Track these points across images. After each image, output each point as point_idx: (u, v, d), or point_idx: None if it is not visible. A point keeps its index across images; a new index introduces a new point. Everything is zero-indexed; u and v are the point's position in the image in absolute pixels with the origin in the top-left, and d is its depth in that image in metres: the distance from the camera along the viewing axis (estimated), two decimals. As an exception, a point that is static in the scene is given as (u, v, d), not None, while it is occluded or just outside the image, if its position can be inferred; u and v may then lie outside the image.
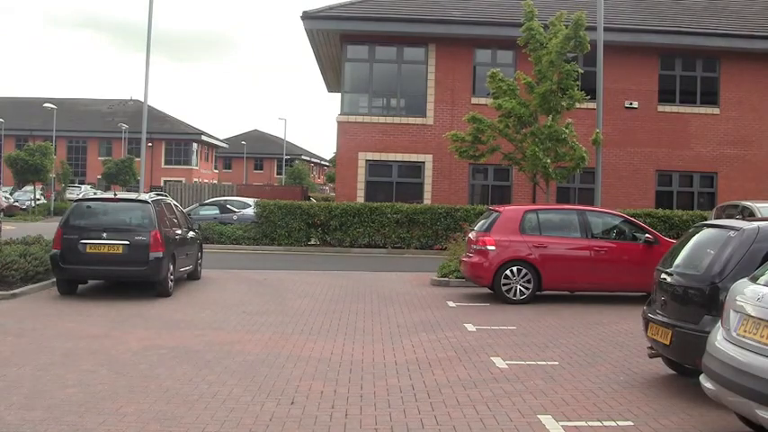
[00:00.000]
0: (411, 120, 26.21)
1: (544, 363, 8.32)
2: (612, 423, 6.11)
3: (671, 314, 7.16)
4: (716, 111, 26.55)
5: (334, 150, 29.82)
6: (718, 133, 26.40)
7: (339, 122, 26.33)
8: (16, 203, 43.74)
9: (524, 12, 18.87)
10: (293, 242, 23.85)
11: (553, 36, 18.43)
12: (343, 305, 12.45)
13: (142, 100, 24.02)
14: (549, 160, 18.04)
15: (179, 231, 14.20)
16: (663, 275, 7.45)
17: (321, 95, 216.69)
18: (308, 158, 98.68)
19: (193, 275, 15.25)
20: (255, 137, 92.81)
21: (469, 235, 14.33)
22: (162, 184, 55.92)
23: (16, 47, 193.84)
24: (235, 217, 27.31)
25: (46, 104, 49.25)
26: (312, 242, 24.23)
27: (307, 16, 25.55)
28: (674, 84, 26.82)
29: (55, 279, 13.20)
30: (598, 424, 6.09)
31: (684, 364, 7.19)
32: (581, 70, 19.06)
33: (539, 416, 6.24)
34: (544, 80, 18.25)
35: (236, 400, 6.57)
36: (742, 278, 5.89)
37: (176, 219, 14.55)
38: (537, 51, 18.60)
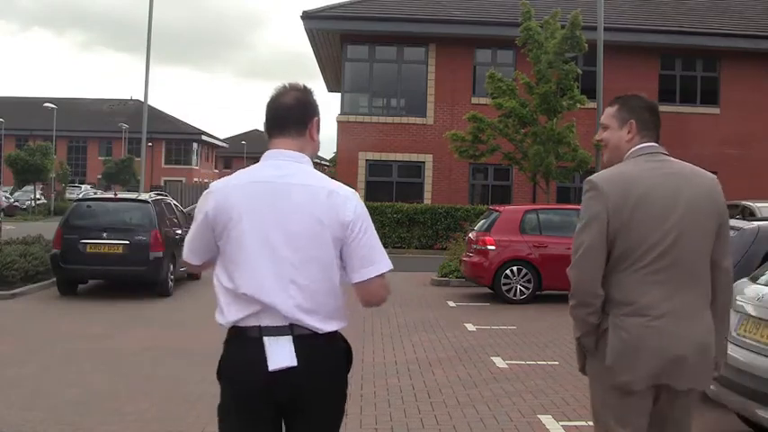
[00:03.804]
0: (411, 120, 26.20)
1: (544, 363, 8.32)
2: (612, 423, 6.11)
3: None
4: (716, 111, 26.54)
5: (334, 150, 29.81)
6: (718, 133, 26.36)
7: (339, 122, 26.32)
8: (16, 203, 43.71)
9: (522, 12, 18.88)
10: (293, 242, 23.81)
11: (550, 36, 18.43)
12: (344, 305, 12.43)
13: (142, 100, 24.00)
14: (552, 160, 18.06)
15: (179, 231, 14.20)
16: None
17: (321, 95, 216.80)
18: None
19: (193, 275, 15.23)
20: (255, 137, 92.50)
21: (469, 235, 14.33)
22: (162, 183, 55.88)
23: (16, 47, 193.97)
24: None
25: (46, 104, 49.22)
26: (312, 242, 24.19)
27: (307, 16, 25.54)
28: (675, 84, 26.81)
29: (55, 279, 13.20)
30: (598, 424, 6.09)
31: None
32: (579, 71, 19.06)
33: (539, 415, 6.24)
34: (543, 80, 18.25)
35: (236, 400, 6.57)
36: (742, 278, 5.88)
37: (176, 219, 14.55)
38: (535, 51, 18.60)
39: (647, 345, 3.08)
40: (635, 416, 3.18)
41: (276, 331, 2.69)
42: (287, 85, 2.89)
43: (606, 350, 3.14)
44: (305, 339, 2.69)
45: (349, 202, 2.73)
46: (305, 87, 2.89)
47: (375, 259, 2.74)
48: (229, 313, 2.76)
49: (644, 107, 3.36)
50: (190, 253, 2.93)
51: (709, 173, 3.33)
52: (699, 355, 3.14)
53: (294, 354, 2.68)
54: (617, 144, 3.37)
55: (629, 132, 3.31)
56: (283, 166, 2.79)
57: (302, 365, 2.68)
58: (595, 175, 3.29)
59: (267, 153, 2.85)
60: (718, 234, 3.24)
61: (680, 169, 3.27)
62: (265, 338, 2.70)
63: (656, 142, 3.32)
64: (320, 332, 2.71)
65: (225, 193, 2.79)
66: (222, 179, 2.90)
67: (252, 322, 2.71)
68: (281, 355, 2.68)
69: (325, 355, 2.75)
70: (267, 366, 2.68)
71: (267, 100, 2.87)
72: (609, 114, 3.41)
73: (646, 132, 3.32)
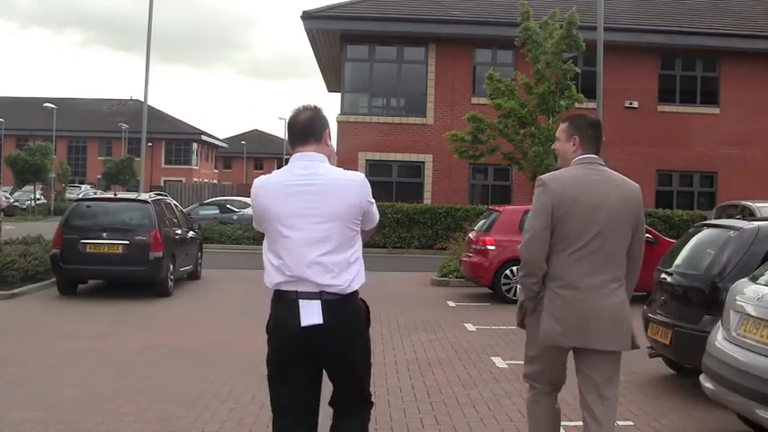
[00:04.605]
0: (411, 120, 26.20)
1: (544, 363, 8.30)
2: (612, 423, 6.10)
3: (671, 314, 7.15)
4: (716, 111, 26.54)
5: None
6: (718, 133, 26.35)
7: (339, 122, 26.31)
8: (16, 203, 43.69)
9: (521, 12, 18.88)
10: (293, 242, 23.79)
11: (549, 36, 18.43)
12: (343, 305, 12.42)
13: (142, 100, 23.99)
14: (552, 160, 18.06)
15: (179, 231, 14.20)
16: (663, 275, 7.45)
17: (321, 95, 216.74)
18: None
19: (193, 275, 15.25)
20: (255, 137, 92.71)
21: (469, 235, 14.33)
22: (162, 183, 55.83)
23: (15, 46, 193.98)
24: (235, 217, 27.29)
25: (46, 104, 49.24)
26: (312, 242, 24.17)
27: (307, 16, 25.54)
28: (675, 83, 26.81)
29: (55, 279, 13.20)
30: (598, 424, 6.07)
31: (684, 364, 7.18)
32: (578, 70, 19.03)
33: (539, 416, 6.23)
34: (542, 80, 18.24)
35: (236, 400, 6.57)
36: (742, 278, 5.88)
37: (176, 219, 14.55)
38: (534, 51, 18.59)
39: (576, 310, 3.97)
40: (555, 366, 4.17)
41: (309, 296, 3.55)
42: (302, 106, 3.77)
43: (542, 314, 4.05)
44: (331, 302, 3.56)
45: (362, 186, 3.71)
46: (315, 106, 3.77)
47: (375, 218, 3.87)
48: (274, 279, 3.62)
49: (587, 125, 4.23)
50: (260, 228, 3.76)
51: (634, 183, 4.17)
52: (615, 320, 4.02)
53: (321, 314, 3.53)
54: (564, 154, 4.23)
55: (573, 145, 4.19)
56: (309, 165, 3.65)
57: (327, 323, 3.53)
58: (545, 174, 4.20)
59: (294, 156, 3.71)
60: (634, 234, 4.10)
61: (610, 177, 4.10)
62: (300, 301, 3.55)
63: (597, 154, 4.17)
64: (343, 294, 3.58)
65: (262, 190, 3.66)
66: (262, 177, 3.73)
67: (290, 287, 3.58)
68: (311, 314, 3.53)
69: (346, 314, 3.62)
70: (300, 323, 3.52)
71: (288, 119, 3.76)
72: (561, 129, 4.28)
73: (587, 146, 4.16)
